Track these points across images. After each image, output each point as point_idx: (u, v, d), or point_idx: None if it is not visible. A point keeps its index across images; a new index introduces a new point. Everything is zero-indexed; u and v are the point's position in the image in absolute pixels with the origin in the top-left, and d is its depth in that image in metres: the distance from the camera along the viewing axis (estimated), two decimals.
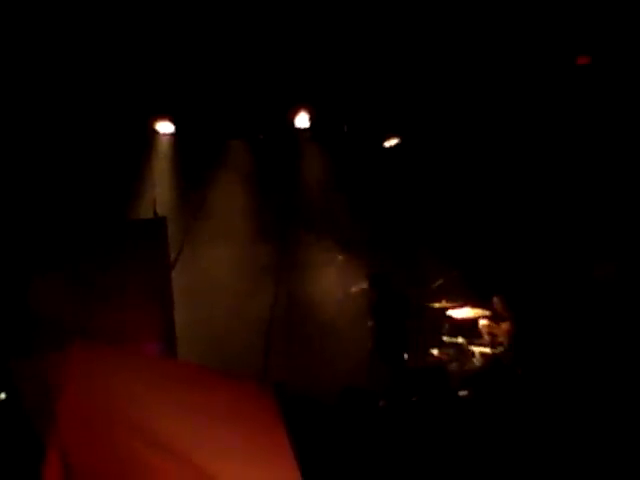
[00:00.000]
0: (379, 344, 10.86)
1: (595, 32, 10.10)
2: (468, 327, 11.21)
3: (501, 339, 10.78)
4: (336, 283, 12.10)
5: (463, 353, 10.96)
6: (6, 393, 6.73)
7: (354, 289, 11.92)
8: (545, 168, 11.64)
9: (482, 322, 11.03)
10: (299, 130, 12.10)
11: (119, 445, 4.38)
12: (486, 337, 10.95)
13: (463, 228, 12.25)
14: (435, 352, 11.14)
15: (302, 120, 11.87)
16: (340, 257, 12.24)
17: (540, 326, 10.76)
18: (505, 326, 10.81)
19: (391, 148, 12.60)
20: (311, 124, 11.95)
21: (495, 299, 11.03)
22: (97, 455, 4.37)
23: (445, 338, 11.27)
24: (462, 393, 8.14)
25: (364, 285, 11.59)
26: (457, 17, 9.85)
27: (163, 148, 11.93)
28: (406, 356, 11.23)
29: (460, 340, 11.06)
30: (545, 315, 10.97)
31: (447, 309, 11.33)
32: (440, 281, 11.64)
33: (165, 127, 11.59)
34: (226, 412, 4.70)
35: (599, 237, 11.24)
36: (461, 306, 11.25)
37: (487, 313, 11.10)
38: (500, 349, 10.68)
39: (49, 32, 9.28)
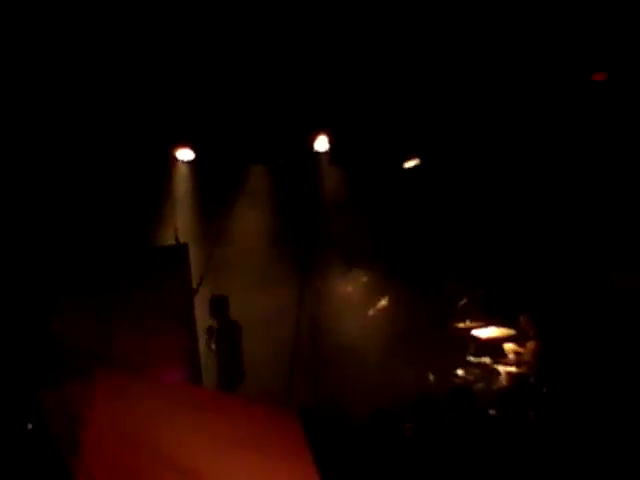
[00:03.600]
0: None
1: (611, 48, 10.09)
2: (493, 347, 11.14)
3: (526, 358, 10.70)
4: (358, 305, 12.07)
5: (489, 373, 10.88)
6: (33, 423, 6.75)
7: (371, 312, 11.95)
8: (565, 186, 11.61)
9: (507, 344, 10.95)
10: (318, 154, 12.12)
11: (145, 473, 4.37)
12: (511, 356, 10.88)
13: (486, 247, 12.22)
14: (461, 372, 11.07)
15: (321, 144, 11.88)
16: (362, 279, 12.21)
17: (565, 344, 10.68)
18: (531, 345, 10.73)
19: (411, 169, 12.60)
20: (330, 147, 11.96)
21: (522, 318, 10.95)
22: None
23: (471, 358, 11.20)
24: (492, 412, 8.08)
25: (384, 303, 11.62)
26: (474, 38, 9.87)
27: (184, 175, 11.97)
28: (432, 377, 11.18)
29: (486, 360, 10.98)
30: (569, 332, 10.90)
31: (472, 329, 11.28)
32: (464, 301, 11.60)
33: (185, 154, 11.64)
34: (251, 438, 4.68)
35: (617, 250, 11.18)
36: (486, 326, 11.20)
37: (512, 332, 11.04)
38: (525, 368, 10.60)
39: (72, 58, 9.38)
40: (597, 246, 11.39)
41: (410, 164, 12.57)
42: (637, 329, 10.35)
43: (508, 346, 10.93)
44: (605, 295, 11.08)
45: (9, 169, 10.11)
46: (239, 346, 10.64)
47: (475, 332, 11.23)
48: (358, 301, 12.12)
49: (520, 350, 10.80)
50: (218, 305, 10.70)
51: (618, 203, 11.23)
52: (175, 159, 11.71)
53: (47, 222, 10.45)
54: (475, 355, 11.18)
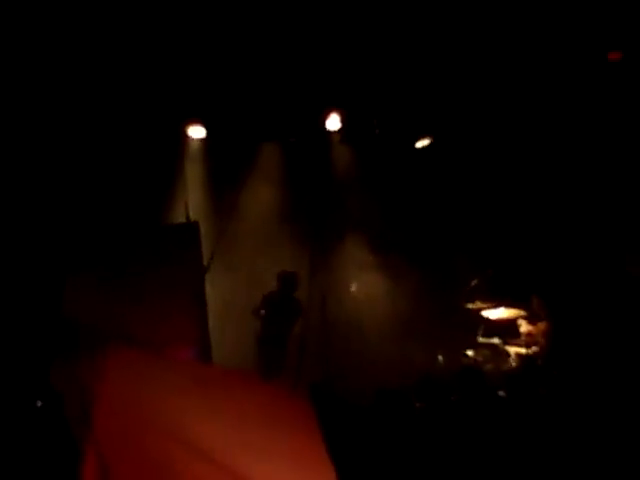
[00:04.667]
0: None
1: (627, 28, 10.01)
2: (503, 327, 11.13)
3: (538, 339, 10.68)
4: (369, 284, 12.08)
5: (499, 354, 10.88)
6: (45, 399, 6.80)
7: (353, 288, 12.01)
8: (577, 165, 11.54)
9: (520, 322, 10.93)
10: (330, 132, 12.08)
11: (155, 449, 4.38)
12: (524, 337, 10.85)
13: (497, 227, 12.19)
14: (470, 353, 11.07)
15: (333, 122, 11.85)
16: (372, 258, 12.20)
17: (576, 325, 10.66)
18: (542, 326, 10.71)
19: (423, 149, 12.55)
20: (342, 126, 11.93)
21: (534, 299, 10.93)
22: (133, 459, 4.38)
23: (480, 339, 11.20)
24: (501, 393, 8.08)
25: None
26: (487, 17, 9.80)
27: (195, 152, 11.97)
28: (441, 358, 11.18)
29: (495, 341, 10.98)
30: (580, 314, 10.87)
31: (482, 310, 11.27)
32: (475, 281, 11.58)
33: (197, 131, 11.62)
34: (261, 416, 4.69)
35: (631, 233, 11.12)
36: (496, 306, 11.18)
37: (523, 313, 11.02)
38: (535, 349, 10.59)
39: (81, 38, 9.37)
40: (611, 229, 11.32)
41: (422, 144, 12.52)
42: None
43: (521, 323, 10.89)
44: (618, 278, 11.03)
45: (23, 146, 10.13)
46: (291, 326, 11.07)
47: (485, 313, 11.21)
48: (369, 280, 12.11)
49: (532, 331, 10.78)
50: (285, 281, 11.03)
51: (633, 187, 11.15)
52: (187, 136, 11.69)
53: (60, 201, 10.48)
54: (485, 336, 11.16)
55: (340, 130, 12.04)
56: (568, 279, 11.39)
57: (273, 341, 10.93)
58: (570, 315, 10.83)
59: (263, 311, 10.91)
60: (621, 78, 10.68)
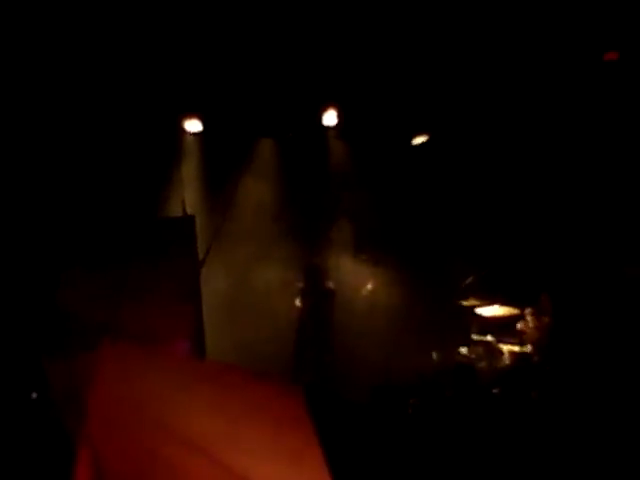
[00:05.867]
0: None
1: (623, 28, 10.02)
2: (497, 325, 11.15)
3: (539, 335, 10.67)
4: (364, 282, 12.08)
5: (492, 351, 10.90)
6: (38, 392, 6.80)
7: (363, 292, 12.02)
8: (576, 166, 11.56)
9: (527, 316, 10.90)
10: (327, 128, 12.08)
11: (148, 443, 4.39)
12: (528, 331, 10.81)
13: (492, 225, 12.21)
14: (464, 350, 11.09)
15: (330, 118, 11.84)
16: (367, 256, 12.20)
17: (571, 324, 10.68)
18: (546, 321, 10.70)
19: (419, 145, 12.56)
20: (339, 122, 11.92)
21: (543, 296, 10.90)
22: (127, 454, 4.39)
23: (474, 336, 11.22)
24: (494, 391, 8.11)
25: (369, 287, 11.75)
26: (484, 14, 9.81)
27: (192, 147, 11.97)
28: (435, 355, 11.20)
29: (489, 338, 11.00)
30: (575, 313, 10.88)
31: (476, 307, 11.28)
32: (470, 279, 11.59)
33: (194, 126, 11.61)
34: (256, 412, 4.69)
35: (629, 235, 11.13)
36: (490, 304, 11.20)
37: (516, 311, 11.04)
38: (530, 347, 10.61)
39: (78, 32, 9.35)
40: (607, 229, 11.34)
41: (418, 141, 12.52)
42: None
43: (529, 319, 10.88)
44: (613, 278, 11.06)
45: (19, 141, 10.12)
46: (327, 314, 11.30)
47: (479, 310, 11.23)
48: (364, 277, 12.11)
49: (537, 325, 10.76)
50: (310, 273, 11.31)
51: (629, 186, 11.17)
52: (183, 131, 11.68)
53: (55, 194, 10.47)
54: (478, 333, 11.19)
55: (337, 126, 12.03)
56: (564, 278, 11.41)
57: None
58: (566, 314, 10.85)
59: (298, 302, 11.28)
60: (618, 78, 10.70)
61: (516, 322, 10.97)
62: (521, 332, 10.87)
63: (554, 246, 11.75)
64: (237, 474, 4.28)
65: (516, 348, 10.71)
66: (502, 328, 11.11)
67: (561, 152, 11.59)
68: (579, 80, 10.94)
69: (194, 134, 11.80)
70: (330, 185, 12.40)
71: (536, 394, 7.66)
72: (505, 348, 10.80)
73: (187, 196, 11.46)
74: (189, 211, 11.23)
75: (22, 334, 8.91)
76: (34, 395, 6.87)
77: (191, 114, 11.52)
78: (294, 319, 11.48)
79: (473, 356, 10.94)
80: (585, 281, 11.28)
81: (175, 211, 11.33)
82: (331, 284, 11.46)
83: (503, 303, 11.18)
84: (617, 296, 10.81)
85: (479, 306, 11.25)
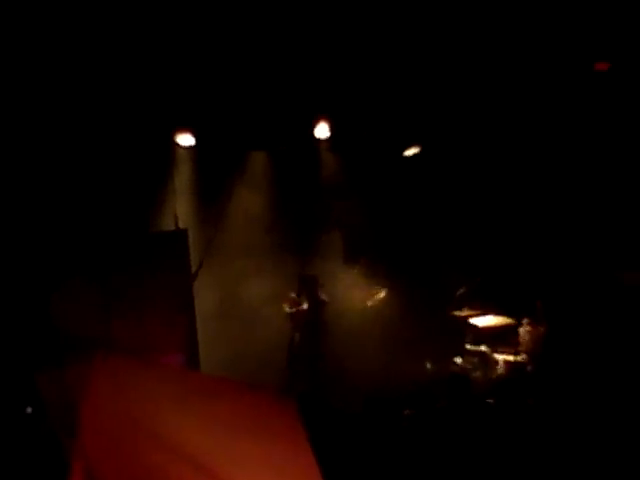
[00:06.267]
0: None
1: (613, 38, 10.06)
2: (491, 335, 11.15)
3: (533, 343, 10.68)
4: (356, 292, 12.08)
5: (487, 361, 10.90)
6: (33, 406, 6.78)
7: (370, 303, 11.99)
8: (569, 175, 11.59)
9: (524, 325, 10.92)
10: (319, 140, 12.10)
11: (142, 456, 4.38)
12: (521, 340, 10.82)
13: (487, 236, 12.23)
14: (459, 360, 11.09)
15: (322, 130, 11.86)
16: (360, 266, 12.20)
17: (568, 334, 10.69)
18: (542, 330, 10.71)
19: (411, 157, 12.59)
20: (331, 134, 11.94)
21: (539, 303, 10.92)
22: (120, 466, 4.38)
23: (468, 346, 11.22)
24: (489, 400, 8.09)
25: (382, 295, 11.68)
26: (475, 26, 9.84)
27: (184, 161, 11.97)
28: (429, 365, 11.20)
29: (483, 348, 11.00)
30: (573, 322, 10.89)
31: (470, 317, 11.29)
32: (463, 289, 11.61)
33: (186, 140, 11.62)
34: (248, 423, 4.70)
35: (627, 245, 11.15)
36: (484, 314, 11.21)
37: (510, 321, 11.05)
38: (524, 357, 10.62)
39: (73, 45, 9.36)
40: (599, 236, 11.36)
41: (410, 152, 12.56)
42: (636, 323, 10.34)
43: (525, 328, 10.89)
44: (607, 285, 11.07)
45: (11, 151, 10.11)
46: (318, 325, 11.36)
47: (473, 320, 11.24)
48: (356, 287, 12.11)
49: (533, 333, 10.76)
50: (303, 283, 11.38)
51: (628, 198, 11.20)
52: (176, 144, 11.69)
53: (48, 208, 10.46)
54: (473, 343, 11.19)
55: (329, 138, 12.04)
56: (558, 286, 11.43)
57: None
58: (561, 322, 10.86)
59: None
60: (608, 87, 10.74)
61: (510, 332, 10.98)
62: (516, 341, 10.87)
63: (548, 255, 11.77)
64: None
65: (511, 357, 10.71)
66: (496, 338, 11.11)
67: (554, 158, 11.62)
68: (569, 90, 10.98)
69: (186, 148, 11.80)
70: (322, 197, 12.40)
71: (532, 401, 7.64)
72: (500, 358, 10.80)
73: (179, 209, 11.47)
74: (181, 225, 11.24)
75: (16, 348, 8.89)
76: (29, 409, 6.85)
77: (183, 128, 11.52)
78: (286, 330, 11.48)
79: (468, 366, 10.94)
80: (580, 289, 11.29)
81: (168, 225, 11.33)
82: (324, 295, 11.45)
83: (497, 313, 11.20)
84: (613, 303, 10.83)
85: (473, 316, 11.26)
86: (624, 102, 10.82)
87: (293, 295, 11.45)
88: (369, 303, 12.16)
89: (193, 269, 11.02)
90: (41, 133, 10.32)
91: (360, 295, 12.09)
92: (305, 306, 11.42)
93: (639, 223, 11.00)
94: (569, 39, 10.04)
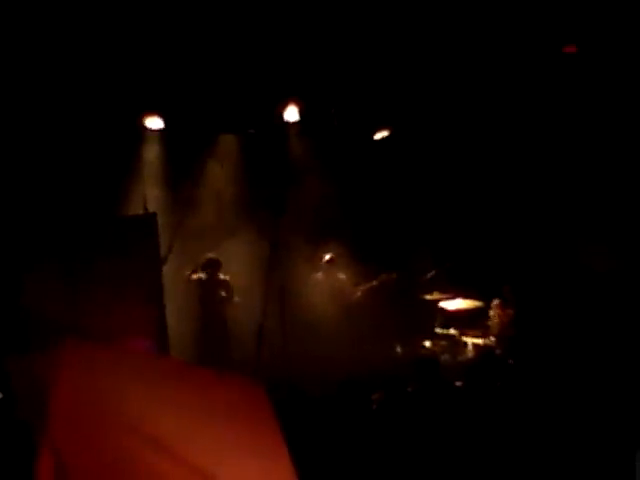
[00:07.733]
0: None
1: (582, 21, 10.11)
2: (461, 318, 11.22)
3: (503, 326, 10.76)
4: (327, 278, 12.07)
5: (455, 344, 10.97)
6: (3, 393, 6.73)
7: (361, 288, 12.01)
8: (538, 159, 11.64)
9: (492, 307, 10.99)
10: (288, 124, 12.06)
11: (113, 444, 4.35)
12: (491, 322, 10.90)
13: (456, 220, 12.28)
14: (428, 344, 11.14)
15: (291, 113, 11.83)
16: (331, 252, 12.19)
17: (533, 317, 10.77)
18: (510, 312, 10.79)
19: (381, 140, 12.60)
20: (300, 117, 11.91)
21: (506, 287, 10.99)
22: (91, 454, 4.34)
23: (438, 330, 11.28)
24: (457, 384, 8.14)
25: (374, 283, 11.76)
26: (444, 8, 9.85)
27: (152, 144, 11.90)
28: (398, 348, 11.25)
29: (452, 331, 11.06)
30: (538, 305, 10.98)
31: (440, 301, 11.34)
32: (432, 273, 11.66)
33: (154, 123, 11.54)
34: (220, 409, 4.68)
35: (587, 227, 11.24)
36: (453, 297, 11.27)
37: (479, 304, 11.13)
38: (493, 340, 10.69)
39: (40, 29, 9.26)
40: (567, 222, 11.45)
41: (380, 135, 12.56)
42: (602, 307, 10.45)
43: (493, 310, 10.96)
44: (573, 271, 11.17)
45: None
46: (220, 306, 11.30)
47: (442, 304, 11.29)
48: (327, 273, 12.11)
49: (502, 316, 10.84)
50: (208, 265, 11.25)
51: (590, 182, 11.27)
52: (144, 127, 11.61)
53: (14, 193, 10.36)
54: (442, 327, 11.25)
55: (298, 122, 12.02)
56: (527, 270, 11.51)
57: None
58: (530, 306, 10.94)
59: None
60: (577, 71, 10.80)
61: (479, 315, 11.06)
62: (484, 325, 10.95)
63: (517, 239, 11.85)
64: (202, 472, 4.27)
65: (480, 341, 10.79)
66: (466, 321, 11.18)
67: (522, 143, 11.67)
68: (538, 73, 11.03)
69: (155, 131, 11.73)
70: (291, 180, 12.38)
71: (500, 384, 7.70)
72: (469, 341, 10.87)
73: (149, 193, 11.41)
74: (150, 208, 11.18)
75: None
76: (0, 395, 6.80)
77: (151, 111, 11.45)
78: (259, 313, 11.48)
79: (437, 349, 10.99)
80: (548, 273, 11.38)
81: (136, 209, 11.26)
82: (223, 275, 11.44)
83: (466, 296, 11.26)
84: (580, 288, 10.92)
85: (443, 299, 11.32)
86: (589, 86, 10.89)
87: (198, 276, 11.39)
88: (360, 289, 12.17)
89: (163, 253, 10.95)
90: (5, 116, 10.20)
91: (330, 281, 12.07)
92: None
93: (607, 209, 11.09)
94: (538, 23, 10.09)
